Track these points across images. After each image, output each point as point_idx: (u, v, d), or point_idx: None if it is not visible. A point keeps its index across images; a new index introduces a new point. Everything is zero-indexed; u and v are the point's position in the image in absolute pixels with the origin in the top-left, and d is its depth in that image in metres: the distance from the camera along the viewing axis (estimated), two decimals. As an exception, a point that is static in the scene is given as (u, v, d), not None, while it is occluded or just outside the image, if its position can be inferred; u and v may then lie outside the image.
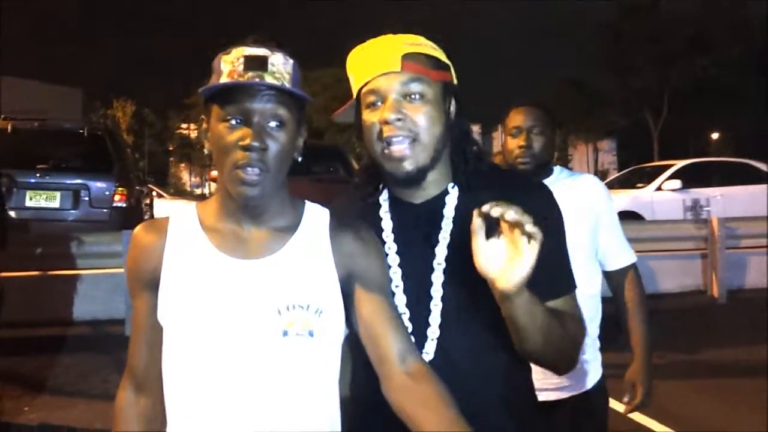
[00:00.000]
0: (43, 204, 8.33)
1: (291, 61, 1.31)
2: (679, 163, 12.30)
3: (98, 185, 8.52)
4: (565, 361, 1.44)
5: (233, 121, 1.27)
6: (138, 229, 1.40)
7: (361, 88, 1.45)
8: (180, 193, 23.71)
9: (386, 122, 1.39)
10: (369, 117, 1.44)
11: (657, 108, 34.80)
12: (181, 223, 1.38)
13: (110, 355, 5.52)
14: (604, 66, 34.82)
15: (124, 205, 8.57)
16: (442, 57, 1.46)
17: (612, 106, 36.56)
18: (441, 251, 1.42)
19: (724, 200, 11.15)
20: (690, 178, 11.57)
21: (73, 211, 8.42)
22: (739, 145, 33.22)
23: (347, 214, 1.52)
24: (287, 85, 1.28)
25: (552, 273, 1.44)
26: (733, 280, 8.21)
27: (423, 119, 1.40)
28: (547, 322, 1.32)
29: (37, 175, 8.32)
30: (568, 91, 36.46)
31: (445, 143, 1.45)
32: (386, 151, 1.41)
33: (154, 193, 16.64)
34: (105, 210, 8.39)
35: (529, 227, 1.18)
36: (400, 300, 1.44)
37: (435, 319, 1.41)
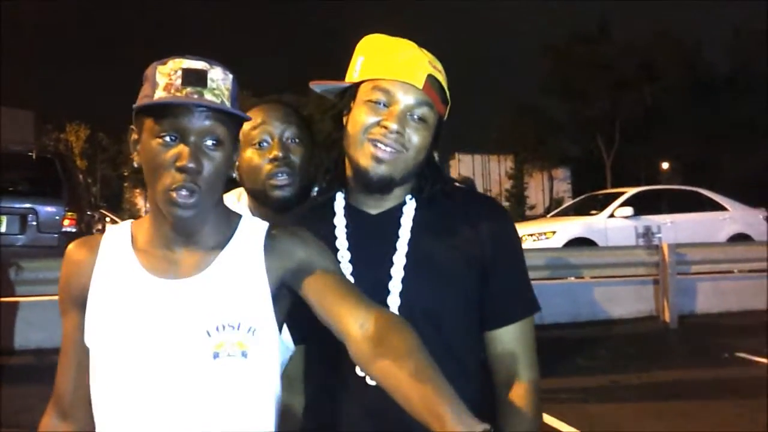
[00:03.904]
0: (-12, 228, 8.08)
1: (230, 76, 1.26)
2: (631, 191, 12.55)
3: (47, 209, 8.32)
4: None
5: (168, 138, 1.20)
6: (71, 245, 1.35)
7: (369, 80, 1.42)
8: (134, 218, 23.26)
9: (385, 128, 1.38)
10: (366, 113, 1.41)
11: (609, 136, 35.62)
12: (113, 241, 1.33)
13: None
14: (554, 92, 35.53)
15: (74, 230, 8.36)
16: (447, 92, 1.47)
17: (565, 134, 37.31)
18: (399, 260, 1.41)
19: (674, 227, 11.40)
20: (641, 205, 11.81)
21: (20, 236, 8.18)
22: (686, 174, 34.16)
23: (298, 217, 1.52)
24: (227, 102, 1.23)
25: (511, 295, 1.45)
26: (684, 305, 8.36)
27: (418, 140, 1.41)
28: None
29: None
30: (523, 118, 37.09)
31: (420, 168, 1.45)
32: (369, 147, 1.39)
33: (107, 219, 16.30)
34: (54, 235, 8.17)
35: None
36: None
37: None
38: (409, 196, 1.47)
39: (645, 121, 35.05)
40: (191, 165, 1.19)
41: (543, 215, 22.78)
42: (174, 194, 1.20)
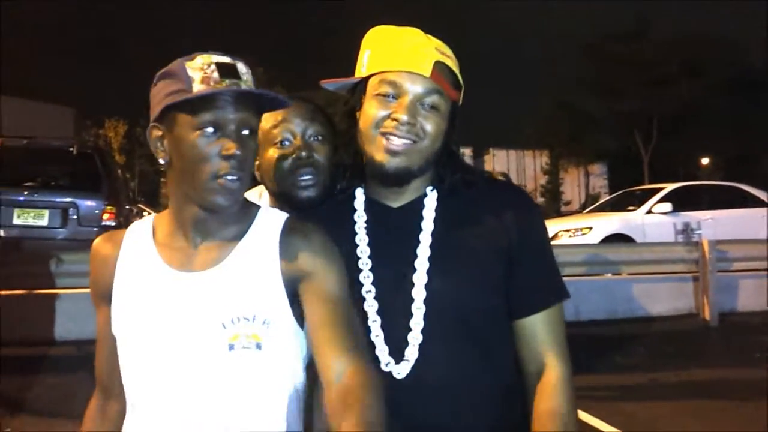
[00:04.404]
0: (30, 222, 8.25)
1: (250, 69, 1.30)
2: (670, 187, 12.35)
3: (87, 203, 8.47)
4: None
5: (208, 130, 1.23)
6: (97, 240, 1.39)
7: (376, 73, 1.41)
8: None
9: (396, 120, 1.36)
10: (376, 106, 1.39)
11: (647, 132, 35.07)
12: (136, 235, 1.36)
13: (94, 375, 5.41)
14: (591, 88, 35.08)
15: (113, 223, 8.50)
16: (459, 76, 1.45)
17: (602, 130, 36.80)
18: (423, 252, 1.39)
19: (714, 223, 11.17)
20: (680, 201, 11.60)
21: (61, 230, 8.35)
22: (728, 170, 33.47)
23: (319, 215, 1.49)
24: (258, 89, 1.26)
25: (539, 282, 1.43)
26: (725, 302, 8.20)
27: (431, 128, 1.38)
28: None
29: (25, 192, 8.26)
30: (559, 113, 36.71)
31: (437, 157, 1.43)
32: (381, 141, 1.38)
33: (144, 213, 16.56)
34: (94, 228, 8.31)
35: None
36: (371, 306, 1.39)
37: (417, 323, 1.36)
38: (430, 188, 1.45)
39: (684, 117, 34.41)
40: (239, 152, 1.23)
41: (579, 211, 22.52)
42: (222, 181, 1.23)
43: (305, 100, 1.76)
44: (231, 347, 1.25)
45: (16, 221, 8.17)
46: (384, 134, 1.37)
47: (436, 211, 1.42)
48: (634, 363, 6.16)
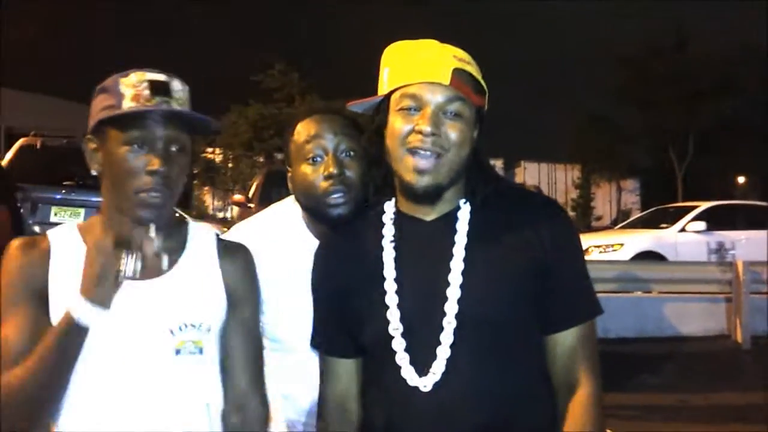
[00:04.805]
0: (67, 220, 8.41)
1: (186, 87, 1.35)
2: (705, 205, 12.15)
3: (122, 203, 8.59)
4: None
5: (136, 146, 1.29)
6: (17, 243, 1.37)
7: (397, 88, 1.40)
8: (202, 216, 23.89)
9: (420, 133, 1.35)
10: (400, 121, 1.38)
11: (682, 148, 34.58)
12: (62, 241, 1.37)
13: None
14: (627, 103, 34.70)
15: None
16: (482, 81, 1.43)
17: (636, 145, 36.37)
18: (457, 266, 1.37)
19: (748, 244, 10.96)
20: (715, 220, 11.41)
21: (97, 228, 8.47)
22: (764, 189, 32.82)
23: (350, 229, 1.53)
24: (188, 110, 1.33)
25: (572, 297, 1.41)
26: (758, 325, 8.02)
27: (456, 136, 1.37)
28: None
29: (63, 191, 8.42)
30: (591, 127, 36.38)
31: (466, 165, 1.42)
32: (409, 160, 1.37)
33: (176, 214, 16.74)
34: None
35: None
36: (394, 316, 1.38)
37: (447, 337, 1.35)
38: (463, 200, 1.44)
39: (720, 134, 33.86)
40: (162, 169, 1.28)
41: (610, 227, 22.27)
42: (145, 195, 1.29)
43: (338, 112, 1.76)
44: (177, 352, 1.34)
45: (53, 219, 8.33)
46: (411, 151, 1.37)
47: (469, 224, 1.41)
48: (663, 383, 6.07)
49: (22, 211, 6.89)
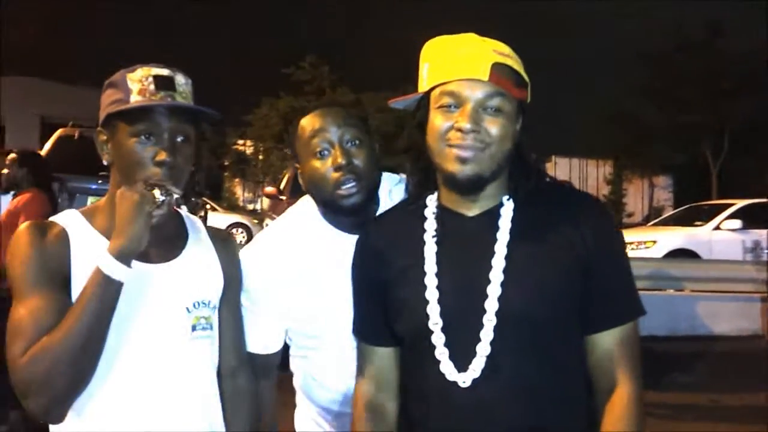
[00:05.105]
0: (103, 210, 8.56)
1: (190, 81, 1.44)
2: (740, 203, 11.97)
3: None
4: None
5: (143, 137, 1.38)
6: (32, 225, 1.40)
7: (436, 85, 1.40)
8: (233, 207, 24.11)
9: (460, 130, 1.35)
10: (440, 119, 1.39)
11: (717, 145, 33.98)
12: (74, 226, 1.43)
13: None
14: (657, 99, 34.16)
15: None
16: (523, 73, 1.42)
17: (668, 141, 35.82)
18: (498, 263, 1.37)
19: (785, 243, 10.77)
20: (751, 218, 11.23)
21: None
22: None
23: (388, 221, 1.55)
24: (191, 103, 1.42)
25: (615, 296, 1.40)
26: (793, 326, 7.90)
27: (498, 131, 1.36)
28: None
29: (99, 181, 8.56)
30: (623, 123, 35.91)
31: (509, 159, 1.41)
32: (450, 151, 1.37)
33: (207, 206, 16.93)
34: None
35: None
36: (434, 310, 1.39)
37: (487, 334, 1.35)
38: (507, 197, 1.43)
39: (756, 131, 33.17)
40: (169, 159, 1.37)
41: (642, 223, 21.99)
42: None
43: (338, 104, 1.80)
44: (193, 328, 1.47)
45: (89, 208, 8.49)
46: (451, 146, 1.37)
47: (512, 221, 1.40)
48: (695, 382, 6.01)
49: (60, 200, 7.05)
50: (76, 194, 8.34)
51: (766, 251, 10.62)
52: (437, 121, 1.39)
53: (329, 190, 1.69)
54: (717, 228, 11.22)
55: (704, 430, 4.74)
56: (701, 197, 21.19)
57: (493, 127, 1.36)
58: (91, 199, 8.51)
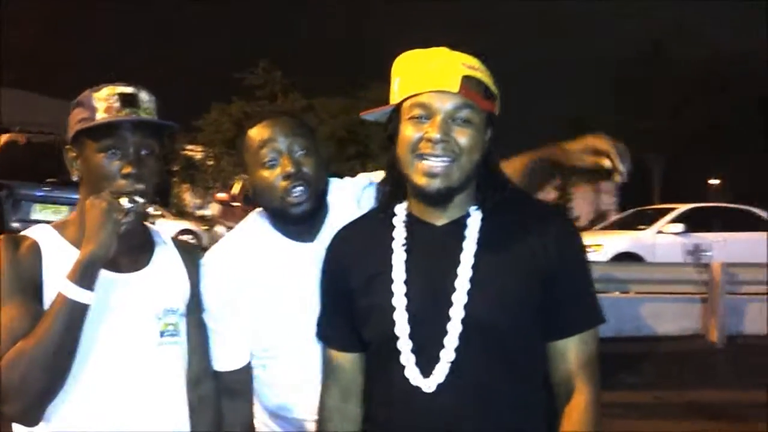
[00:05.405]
0: (50, 217, 8.32)
1: (153, 97, 1.52)
2: (682, 207, 12.33)
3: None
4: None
5: (110, 152, 1.46)
6: (8, 238, 1.49)
7: (407, 98, 1.44)
8: (182, 213, 23.68)
9: (429, 140, 1.39)
10: (411, 129, 1.42)
11: (659, 151, 34.90)
12: (46, 238, 1.50)
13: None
14: (606, 107, 34.95)
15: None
16: (492, 86, 1.46)
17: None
18: (464, 272, 1.40)
19: (726, 246, 11.14)
20: (693, 222, 11.58)
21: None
22: (740, 192, 33.21)
23: (356, 230, 1.58)
24: (155, 118, 1.50)
25: (576, 305, 1.45)
26: (732, 325, 8.18)
27: (466, 141, 1.40)
28: None
29: (46, 188, 8.37)
30: (568, 129, 36.60)
31: (477, 170, 1.45)
32: (419, 164, 1.40)
33: (159, 212, 16.60)
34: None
35: None
36: (401, 317, 1.42)
37: (451, 341, 1.38)
38: (474, 207, 1.46)
39: (699, 137, 34.20)
40: (135, 171, 1.45)
41: (587, 227, 22.41)
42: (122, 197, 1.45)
43: (286, 114, 1.82)
44: (162, 334, 1.54)
45: (34, 216, 8.27)
46: (420, 156, 1.40)
47: (478, 231, 1.44)
48: (640, 382, 6.19)
49: (5, 207, 6.88)
50: (21, 201, 8.11)
51: (706, 254, 10.99)
52: (408, 131, 1.42)
53: (278, 199, 1.69)
54: (660, 232, 11.53)
55: (649, 427, 4.89)
56: (644, 202, 21.76)
57: (462, 137, 1.40)
58: (37, 206, 8.31)
